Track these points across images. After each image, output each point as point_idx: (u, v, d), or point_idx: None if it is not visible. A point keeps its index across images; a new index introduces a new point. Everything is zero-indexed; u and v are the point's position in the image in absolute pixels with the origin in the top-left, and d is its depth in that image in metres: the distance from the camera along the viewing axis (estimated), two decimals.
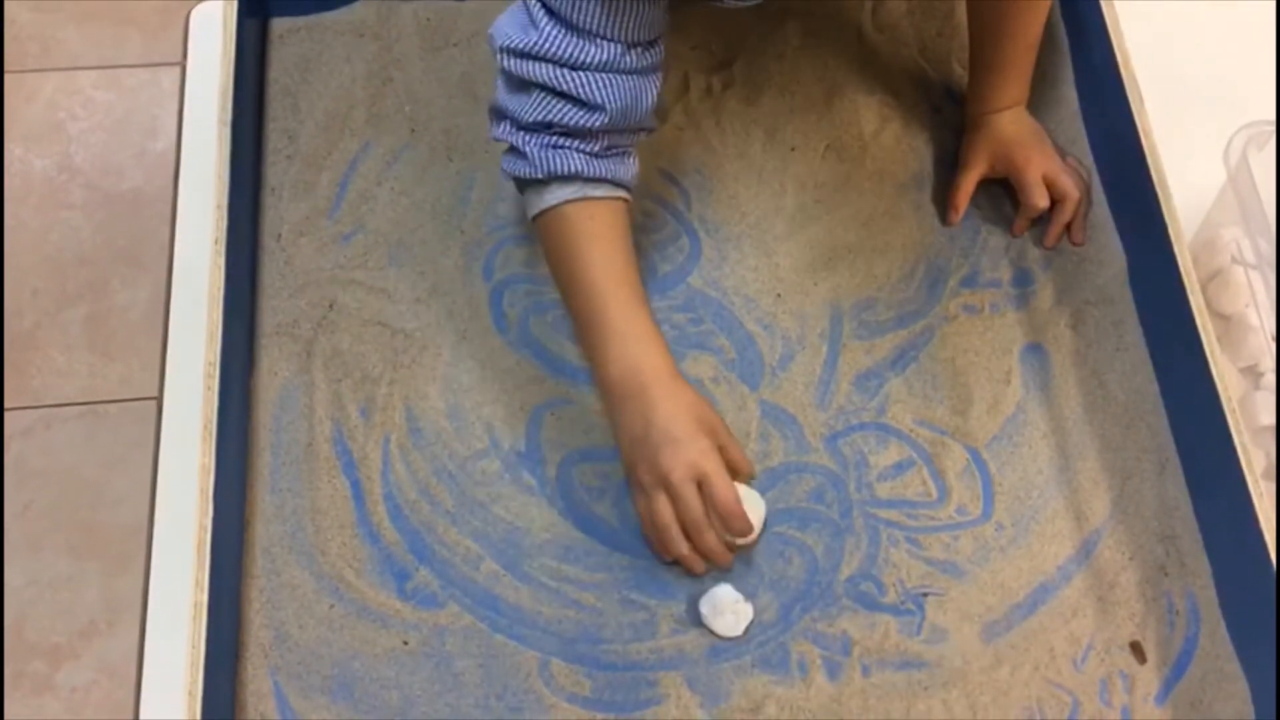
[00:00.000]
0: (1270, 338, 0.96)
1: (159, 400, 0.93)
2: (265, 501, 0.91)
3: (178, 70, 1.09)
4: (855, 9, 1.12)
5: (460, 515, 0.91)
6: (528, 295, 0.99)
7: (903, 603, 0.90)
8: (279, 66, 1.08)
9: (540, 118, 0.86)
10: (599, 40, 0.83)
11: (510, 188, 1.02)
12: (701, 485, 0.85)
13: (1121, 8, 1.03)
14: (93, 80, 1.67)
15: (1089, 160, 1.05)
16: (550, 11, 0.83)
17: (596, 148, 0.87)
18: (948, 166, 1.06)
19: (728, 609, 0.88)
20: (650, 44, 0.87)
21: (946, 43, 1.11)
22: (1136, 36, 1.02)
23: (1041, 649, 0.89)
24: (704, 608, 0.88)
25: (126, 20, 1.71)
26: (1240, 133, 0.92)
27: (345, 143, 1.04)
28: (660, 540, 0.87)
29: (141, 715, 0.85)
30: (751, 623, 0.88)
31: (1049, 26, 1.01)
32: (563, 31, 0.83)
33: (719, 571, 0.90)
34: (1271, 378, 0.96)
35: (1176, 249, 0.93)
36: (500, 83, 0.88)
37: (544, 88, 0.85)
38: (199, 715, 0.76)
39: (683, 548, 0.87)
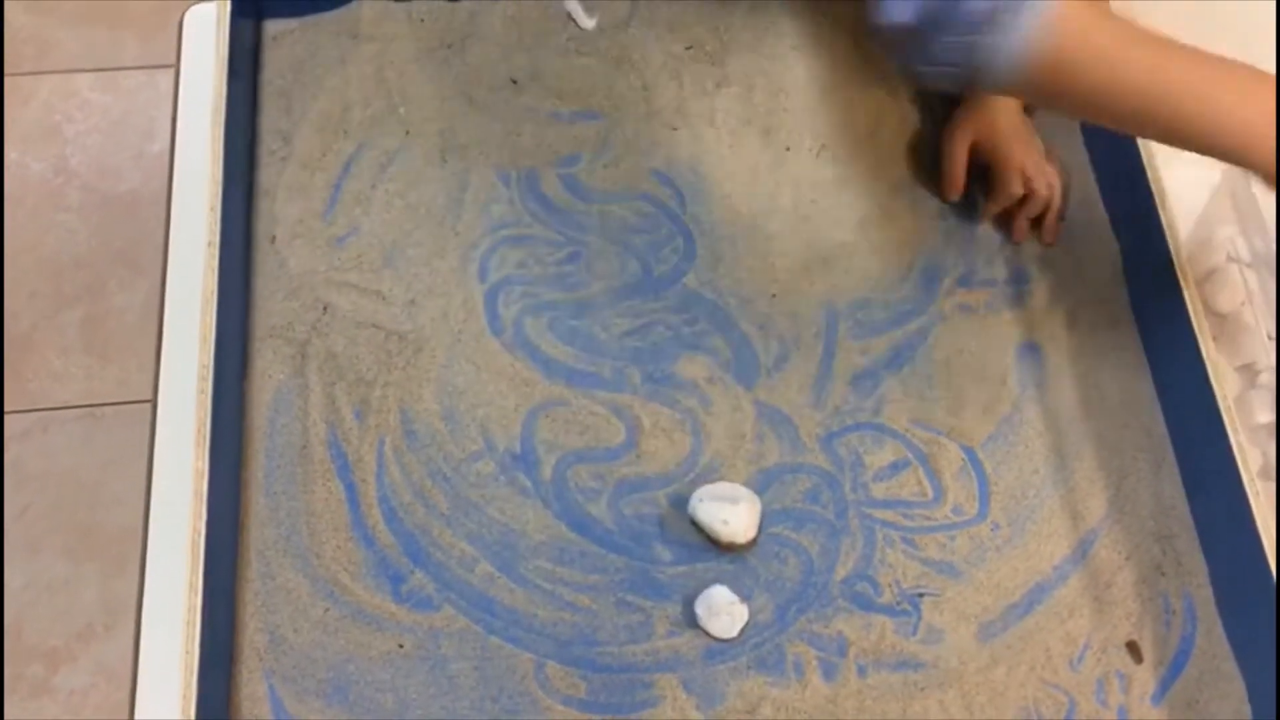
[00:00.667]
0: (1268, 336, 0.95)
1: (153, 403, 0.93)
2: (260, 504, 0.91)
3: (174, 72, 1.09)
4: (850, 8, 1.12)
5: (455, 517, 0.91)
6: (523, 297, 0.99)
7: (898, 603, 0.90)
8: (273, 68, 1.07)
9: None
10: None
11: (504, 190, 1.02)
12: None
13: (1118, 7, 1.03)
14: (89, 82, 1.67)
15: (1083, 157, 1.05)
16: None
17: None
18: None
19: (723, 610, 0.87)
20: None
21: None
22: None
23: (1038, 649, 0.89)
24: (699, 609, 0.88)
25: (123, 22, 1.71)
26: None
27: (339, 144, 1.04)
28: None
29: (136, 719, 0.85)
30: (747, 624, 0.88)
31: None
32: None
33: (714, 573, 0.89)
34: (1267, 376, 0.95)
35: (1171, 247, 0.93)
36: None
37: None
38: (194, 719, 0.76)
39: None
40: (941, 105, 1.08)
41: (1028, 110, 1.03)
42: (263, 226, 1.01)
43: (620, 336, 0.98)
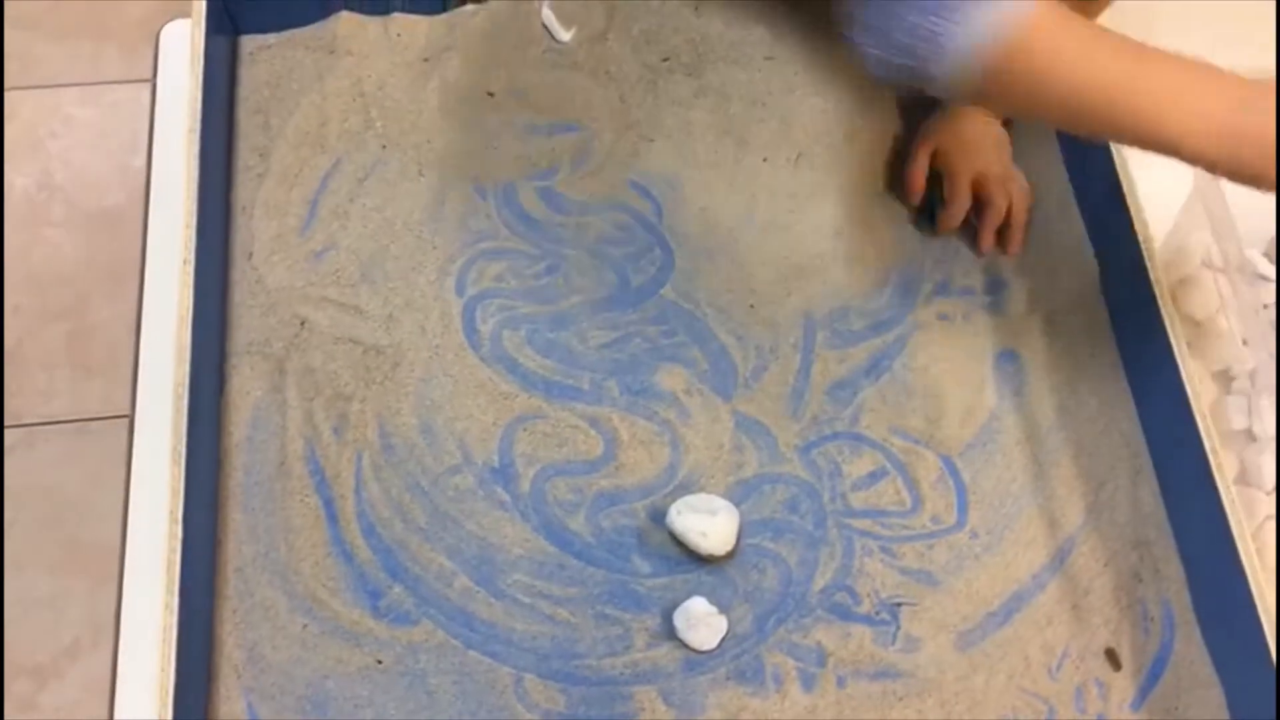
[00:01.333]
0: (1242, 342, 0.96)
1: (130, 420, 0.93)
2: (237, 520, 0.91)
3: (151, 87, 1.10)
4: (825, 17, 1.12)
5: (434, 532, 0.91)
6: (501, 310, 0.99)
7: (877, 613, 0.90)
8: (249, 84, 1.07)
9: None
10: None
11: (481, 203, 1.03)
12: None
13: (1120, 7, 1.03)
14: (73, 97, 1.67)
15: (1059, 166, 1.06)
16: None
17: None
18: None
19: (702, 622, 0.88)
20: None
21: None
22: None
23: (1016, 657, 0.89)
24: (678, 621, 0.88)
25: (106, 37, 1.72)
26: None
27: (316, 160, 1.04)
28: None
29: None
30: (726, 635, 0.88)
31: None
32: None
33: (693, 584, 0.90)
34: (1242, 382, 0.96)
35: (1147, 255, 0.93)
36: None
37: None
38: None
39: None
40: (920, 113, 1.08)
41: (1007, 124, 1.04)
42: (240, 242, 1.01)
43: (598, 349, 0.98)
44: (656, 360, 0.97)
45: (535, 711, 0.86)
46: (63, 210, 1.61)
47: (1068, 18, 0.74)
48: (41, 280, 1.57)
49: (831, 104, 1.08)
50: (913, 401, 0.97)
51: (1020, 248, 1.02)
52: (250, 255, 1.00)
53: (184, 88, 0.97)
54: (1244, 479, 0.93)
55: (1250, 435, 0.94)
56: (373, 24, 1.10)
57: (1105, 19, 1.02)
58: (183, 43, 1.00)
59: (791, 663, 0.88)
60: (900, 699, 0.87)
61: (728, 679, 0.87)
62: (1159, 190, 0.97)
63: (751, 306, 1.00)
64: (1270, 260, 0.99)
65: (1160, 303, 0.91)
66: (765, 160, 1.06)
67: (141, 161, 1.62)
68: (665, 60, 1.09)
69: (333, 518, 0.91)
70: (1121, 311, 0.99)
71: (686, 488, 0.93)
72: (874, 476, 0.94)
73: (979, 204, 1.02)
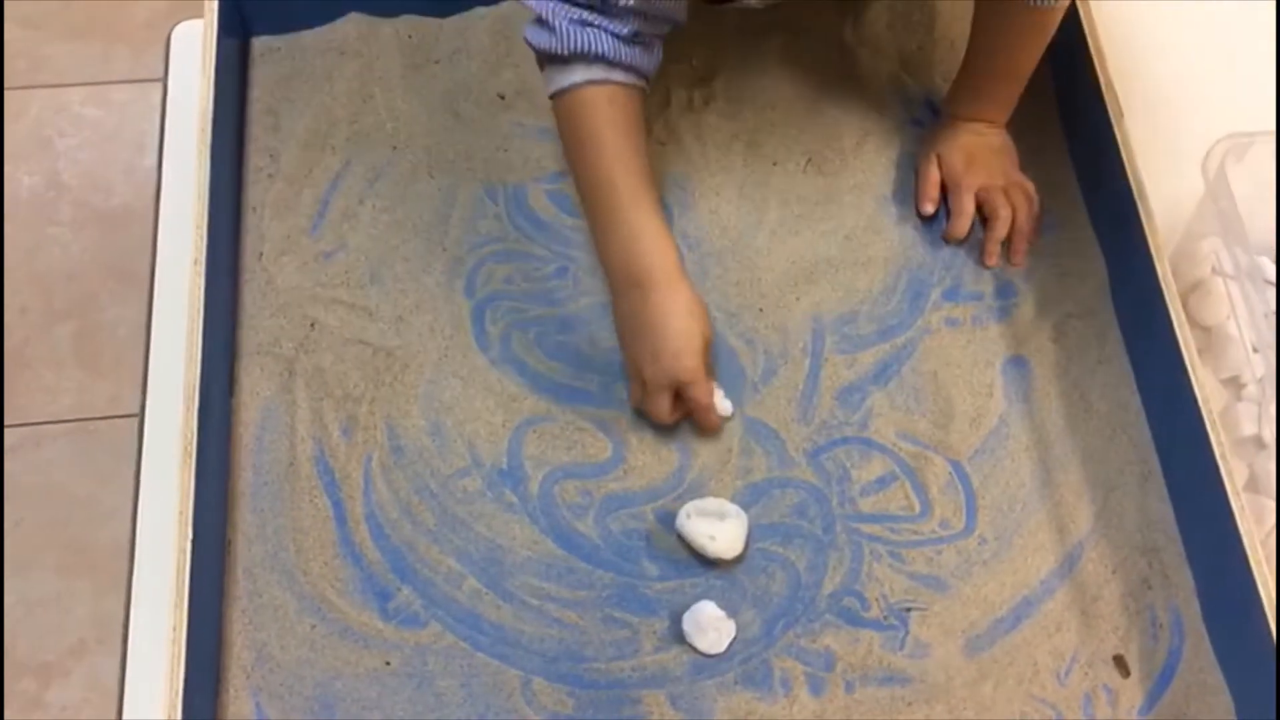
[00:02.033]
0: (1252, 349, 0.96)
1: (140, 419, 0.94)
2: (247, 521, 0.91)
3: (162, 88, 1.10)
4: (836, 23, 1.12)
5: (442, 534, 0.91)
6: (510, 312, 0.99)
7: (886, 618, 0.90)
8: (260, 85, 1.08)
9: None
10: None
11: (491, 205, 1.03)
12: (679, 392, 0.91)
13: (1102, 22, 1.03)
14: (81, 97, 1.68)
15: (1069, 172, 1.06)
16: None
17: (625, 31, 0.89)
18: None
19: (710, 626, 0.88)
20: None
21: (927, 56, 1.11)
22: (1117, 50, 1.02)
23: (1025, 663, 0.89)
24: (687, 625, 0.88)
25: (114, 36, 1.72)
26: (1219, 144, 0.92)
27: (326, 161, 1.05)
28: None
29: None
30: (734, 639, 0.88)
31: None
32: None
33: (702, 588, 0.90)
34: (1252, 389, 0.96)
35: (1157, 261, 0.93)
36: None
37: None
38: None
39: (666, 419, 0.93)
40: (929, 118, 1.08)
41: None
42: (250, 243, 1.01)
43: (607, 351, 0.98)
44: None
45: (543, 714, 0.86)
46: (70, 209, 1.62)
47: (603, 109, 0.90)
48: (49, 279, 1.58)
49: (842, 110, 1.08)
50: (921, 406, 0.97)
51: (1025, 258, 1.02)
52: (260, 256, 1.00)
53: (195, 88, 0.98)
54: (1254, 486, 0.93)
55: (1260, 442, 0.94)
56: (383, 25, 1.10)
57: (1107, 20, 1.03)
58: (194, 43, 1.01)
59: (800, 667, 0.88)
60: (909, 704, 0.87)
61: (736, 683, 0.87)
62: (1170, 196, 0.97)
63: (761, 310, 1.00)
64: None
65: (1171, 309, 0.91)
66: (775, 165, 1.06)
67: (149, 161, 1.63)
68: (675, 63, 1.09)
69: (341, 519, 0.91)
70: (1131, 317, 0.99)
71: (695, 491, 0.93)
72: (883, 481, 0.94)
73: (984, 215, 1.02)
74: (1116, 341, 0.99)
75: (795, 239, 1.03)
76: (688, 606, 0.89)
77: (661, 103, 1.08)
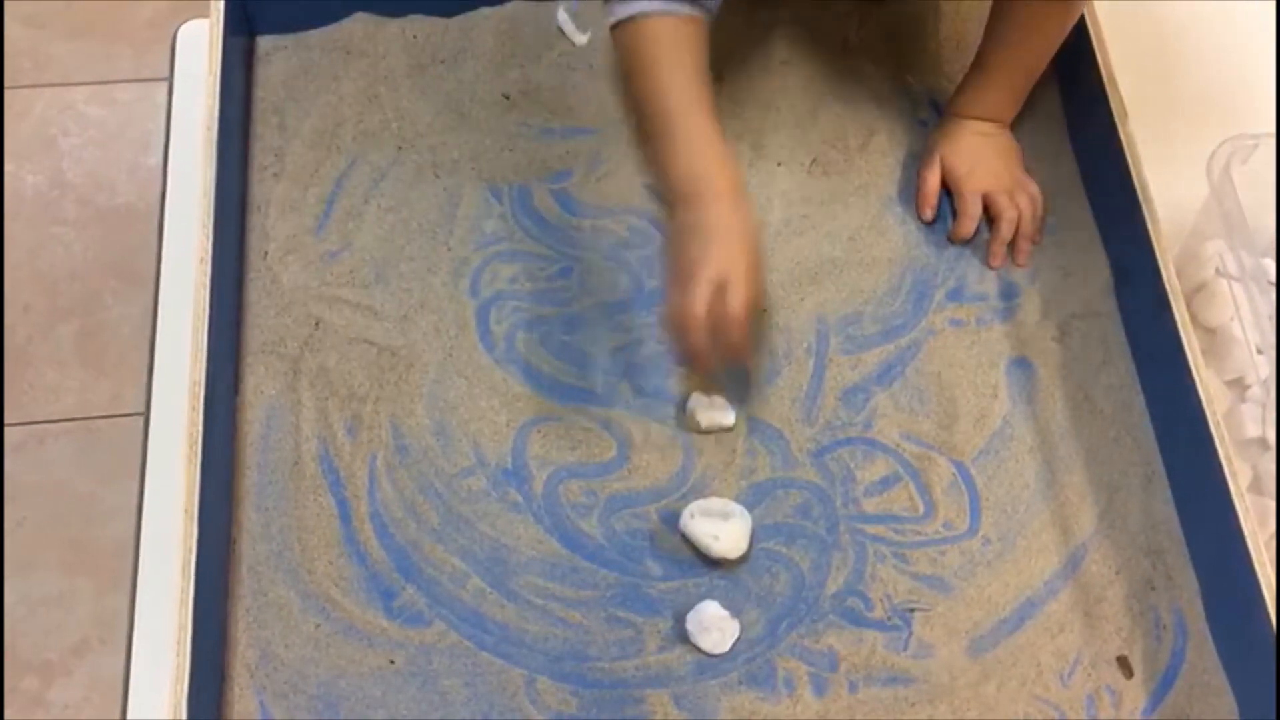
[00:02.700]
0: (1256, 350, 0.96)
1: (145, 418, 0.94)
2: (251, 520, 0.91)
3: (167, 87, 1.10)
4: (840, 24, 1.12)
5: (446, 533, 0.91)
6: (514, 312, 0.99)
7: (889, 618, 0.90)
8: (266, 84, 1.08)
9: None
10: None
11: (496, 205, 1.03)
12: (723, 288, 0.85)
13: (1107, 24, 1.03)
14: (85, 96, 1.68)
15: (1074, 172, 1.06)
16: None
17: None
18: None
19: (714, 626, 0.88)
20: None
21: (931, 56, 1.12)
22: (1121, 50, 1.02)
23: (1028, 664, 0.89)
24: (690, 625, 0.88)
25: (118, 35, 1.72)
26: (1223, 146, 0.92)
27: (332, 160, 1.05)
28: (680, 328, 0.87)
29: None
30: (738, 639, 0.88)
31: None
32: None
33: (706, 588, 0.90)
34: (1256, 390, 0.96)
35: (1161, 262, 0.93)
36: None
37: None
38: None
39: (700, 339, 0.86)
40: (933, 118, 1.08)
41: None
42: (255, 242, 1.01)
43: (612, 351, 0.98)
44: (669, 364, 0.97)
45: (547, 713, 0.86)
46: (74, 208, 1.62)
47: (666, 37, 0.89)
48: (52, 278, 1.58)
49: (847, 109, 1.08)
50: (925, 407, 0.97)
51: (1029, 259, 1.02)
52: (265, 255, 1.00)
53: (200, 88, 0.98)
54: (1258, 487, 0.94)
55: (1264, 443, 0.94)
56: (389, 25, 1.10)
57: (1112, 21, 1.03)
58: (199, 43, 1.01)
59: (803, 667, 0.88)
60: (912, 705, 0.87)
61: (739, 683, 0.87)
62: (1174, 198, 0.97)
63: (765, 310, 1.00)
64: None
65: (1175, 310, 0.91)
66: (780, 165, 1.06)
67: (153, 160, 1.63)
68: None
69: (346, 518, 0.91)
70: (1135, 319, 0.99)
71: (699, 491, 0.93)
72: (886, 482, 0.94)
73: (989, 216, 1.03)
74: (1121, 343, 0.99)
75: (800, 239, 1.03)
76: (691, 606, 0.89)
77: None
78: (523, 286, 1.00)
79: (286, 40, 1.09)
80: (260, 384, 0.95)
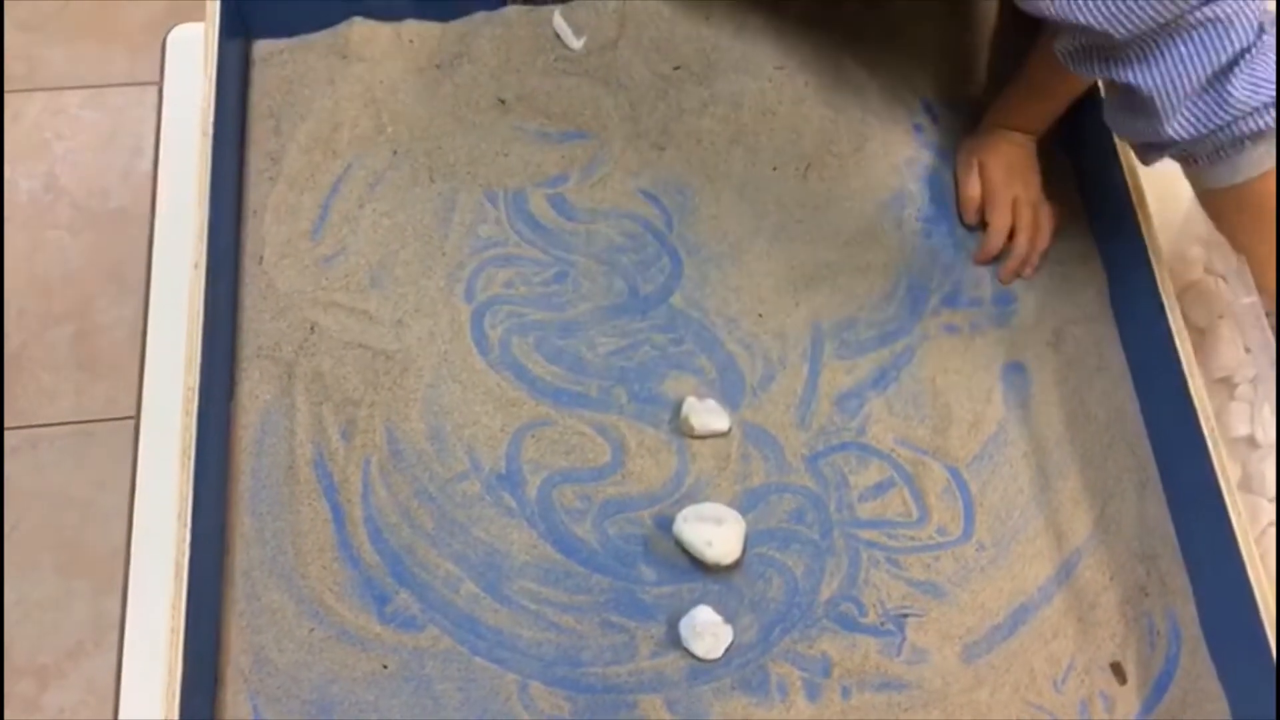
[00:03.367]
0: (1244, 349, 0.96)
1: (135, 422, 0.94)
2: (245, 524, 0.91)
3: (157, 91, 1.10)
4: (835, 29, 1.12)
5: (440, 538, 0.91)
6: (509, 317, 0.99)
7: (883, 623, 0.90)
8: (261, 88, 1.08)
9: None
10: None
11: (491, 209, 1.03)
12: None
13: None
14: (78, 100, 1.68)
15: (1069, 176, 1.06)
16: None
17: None
18: (929, 185, 1.06)
19: (707, 631, 0.88)
20: None
21: (927, 61, 1.12)
22: None
23: (1022, 670, 0.89)
24: (684, 630, 0.88)
25: (112, 39, 1.72)
26: None
27: (328, 164, 1.04)
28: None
29: None
30: (731, 644, 0.88)
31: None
32: None
33: (699, 593, 0.90)
34: (1245, 389, 0.96)
35: (1156, 269, 0.93)
36: None
37: None
38: None
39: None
40: (932, 127, 1.09)
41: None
42: (250, 246, 1.01)
43: (606, 356, 0.98)
44: (664, 368, 0.97)
45: (540, 718, 0.86)
46: (67, 212, 1.61)
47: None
48: (46, 282, 1.57)
49: (841, 114, 1.08)
50: (920, 412, 0.97)
51: (1034, 269, 1.02)
52: (260, 259, 1.00)
53: (193, 91, 0.97)
54: (1247, 485, 0.94)
55: (1253, 442, 0.94)
56: (385, 30, 1.10)
57: None
58: (190, 46, 1.01)
59: (797, 673, 0.88)
60: (905, 710, 0.87)
61: (733, 688, 0.87)
62: (1163, 197, 0.97)
63: (760, 316, 1.00)
64: None
65: (1170, 317, 0.91)
66: (775, 170, 1.06)
67: (146, 164, 1.63)
68: (676, 69, 1.09)
69: (340, 522, 0.91)
70: (1130, 325, 0.99)
71: (693, 496, 0.93)
72: (881, 487, 0.94)
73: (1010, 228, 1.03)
74: (1116, 348, 0.99)
75: (794, 244, 1.03)
76: (685, 611, 0.89)
77: (661, 107, 1.08)
78: (518, 291, 1.00)
79: (282, 44, 1.09)
80: (255, 388, 0.95)
